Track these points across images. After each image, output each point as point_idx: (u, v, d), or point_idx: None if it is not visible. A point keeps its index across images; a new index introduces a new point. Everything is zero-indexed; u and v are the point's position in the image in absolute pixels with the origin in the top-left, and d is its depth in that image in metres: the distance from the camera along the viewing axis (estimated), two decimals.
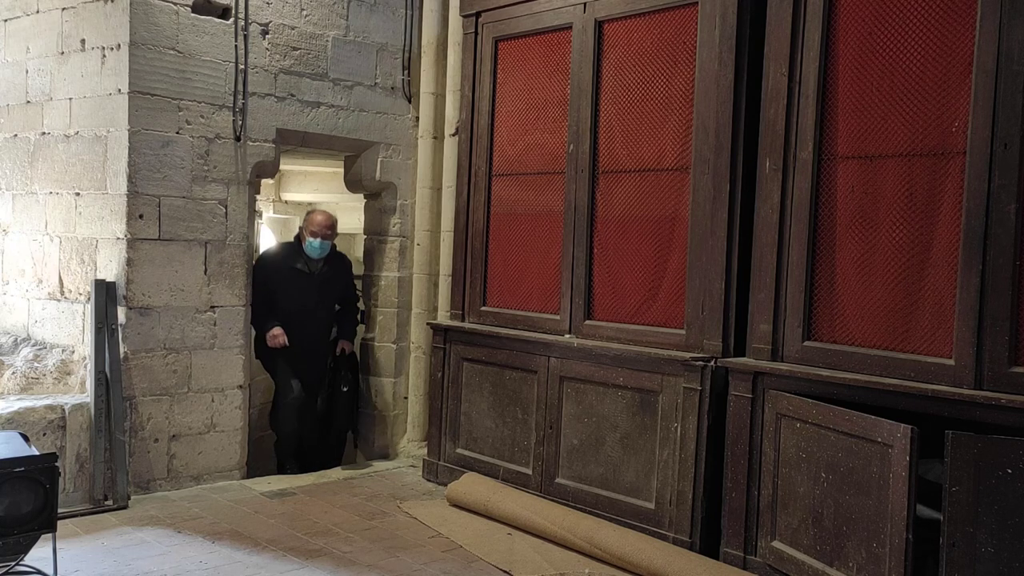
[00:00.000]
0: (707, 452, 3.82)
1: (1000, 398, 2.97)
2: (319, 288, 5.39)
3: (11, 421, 4.06)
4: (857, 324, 3.46)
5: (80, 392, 4.52)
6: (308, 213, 5.44)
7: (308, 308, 5.35)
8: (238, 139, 4.87)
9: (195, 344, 4.74)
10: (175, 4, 4.60)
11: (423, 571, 3.70)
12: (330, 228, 5.34)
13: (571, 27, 4.46)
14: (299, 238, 5.39)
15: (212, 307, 4.81)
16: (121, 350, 4.46)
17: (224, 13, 4.80)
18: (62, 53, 4.77)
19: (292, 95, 5.12)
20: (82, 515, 4.19)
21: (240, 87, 4.86)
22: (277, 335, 5.21)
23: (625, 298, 4.27)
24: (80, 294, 4.66)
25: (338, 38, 5.33)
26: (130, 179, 4.47)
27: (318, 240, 5.29)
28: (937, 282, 3.22)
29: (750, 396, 3.68)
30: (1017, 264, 3.00)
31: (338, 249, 5.63)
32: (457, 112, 5.30)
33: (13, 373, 4.60)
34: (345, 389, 5.55)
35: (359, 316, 5.82)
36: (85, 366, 4.54)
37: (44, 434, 4.20)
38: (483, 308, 4.92)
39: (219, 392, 4.86)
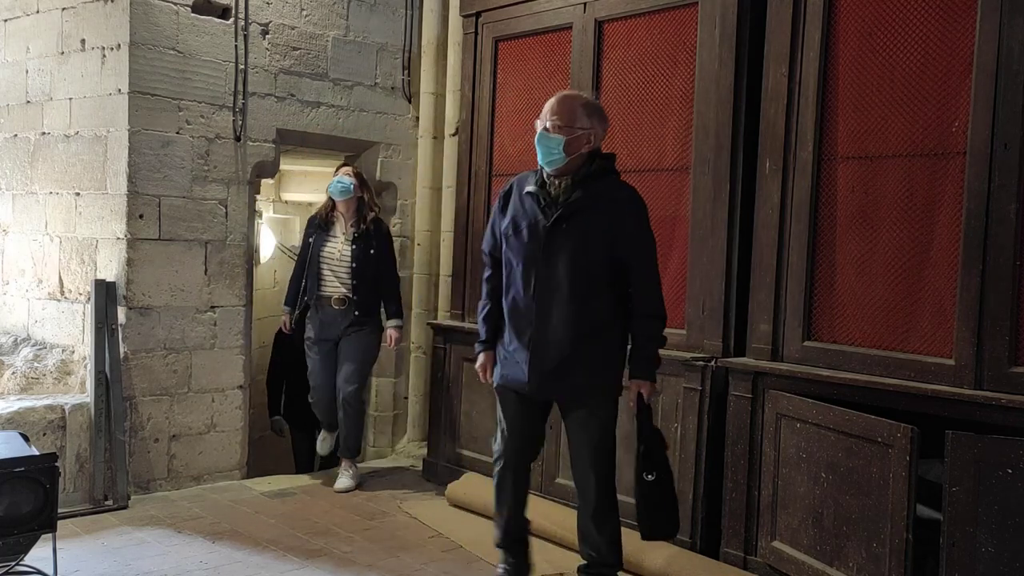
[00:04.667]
0: (707, 452, 3.82)
1: (1000, 398, 2.97)
2: (564, 231, 3.03)
3: (11, 421, 4.06)
4: (857, 324, 3.46)
5: (80, 392, 4.52)
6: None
7: (540, 272, 3.05)
8: (238, 139, 4.87)
9: (195, 344, 4.74)
10: (175, 4, 4.60)
11: (423, 571, 3.70)
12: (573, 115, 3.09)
13: (571, 27, 4.46)
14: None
15: (212, 307, 4.81)
16: (121, 350, 4.46)
17: (224, 13, 4.80)
18: (62, 53, 4.77)
19: (292, 95, 5.12)
20: (82, 515, 4.19)
21: (240, 87, 4.86)
22: (483, 364, 3.34)
23: None
24: (80, 294, 4.66)
25: (338, 38, 5.33)
26: (130, 179, 4.47)
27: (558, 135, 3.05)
28: (937, 282, 3.22)
29: (750, 396, 3.68)
30: (1017, 264, 3.00)
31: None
32: (457, 112, 5.30)
33: (13, 373, 4.60)
34: (650, 478, 3.12)
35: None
36: (85, 366, 4.54)
37: (44, 434, 4.20)
38: None
39: (219, 392, 4.86)
